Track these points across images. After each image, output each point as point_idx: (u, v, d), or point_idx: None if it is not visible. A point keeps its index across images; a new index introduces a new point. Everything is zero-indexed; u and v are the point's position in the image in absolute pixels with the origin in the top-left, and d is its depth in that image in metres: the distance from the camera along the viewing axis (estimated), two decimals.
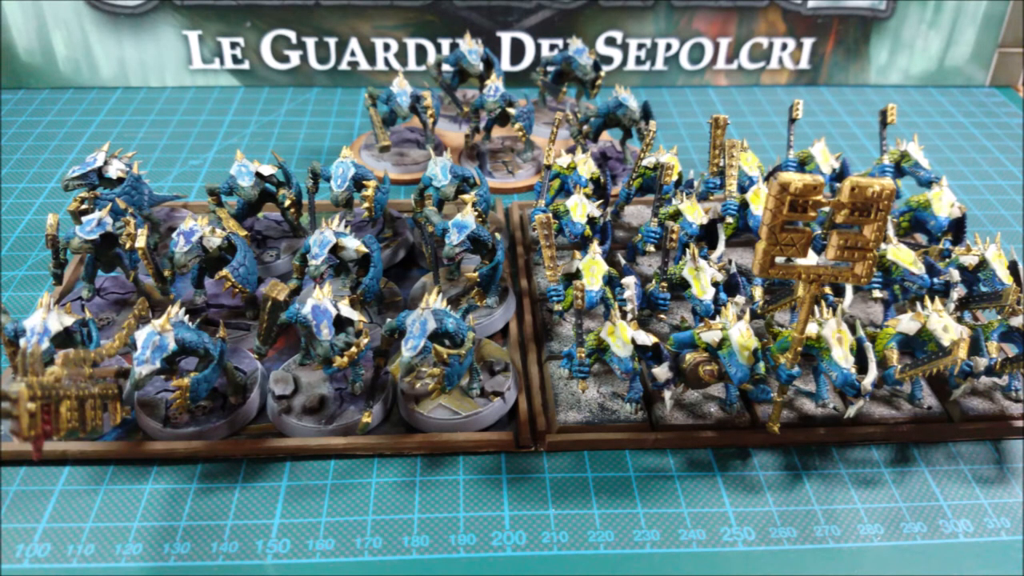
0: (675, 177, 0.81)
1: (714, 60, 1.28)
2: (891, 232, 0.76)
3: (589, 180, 0.82)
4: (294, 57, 1.24)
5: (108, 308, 0.76)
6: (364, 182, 0.78)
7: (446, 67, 1.08)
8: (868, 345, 0.64)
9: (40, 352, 0.54)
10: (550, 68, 1.11)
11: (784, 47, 1.28)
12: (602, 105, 0.97)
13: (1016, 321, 0.66)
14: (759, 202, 0.76)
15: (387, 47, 1.24)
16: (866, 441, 0.68)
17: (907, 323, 0.65)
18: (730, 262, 0.74)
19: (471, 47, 1.05)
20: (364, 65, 1.25)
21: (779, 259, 0.56)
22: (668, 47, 1.27)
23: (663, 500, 0.63)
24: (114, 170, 0.78)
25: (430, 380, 0.62)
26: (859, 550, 0.60)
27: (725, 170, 0.79)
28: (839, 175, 0.85)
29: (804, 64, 1.30)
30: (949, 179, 0.81)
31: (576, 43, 1.07)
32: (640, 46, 1.26)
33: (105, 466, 0.63)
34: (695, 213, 0.76)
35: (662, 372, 0.62)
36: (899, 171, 0.86)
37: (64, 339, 0.60)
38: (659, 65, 1.28)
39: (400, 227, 0.86)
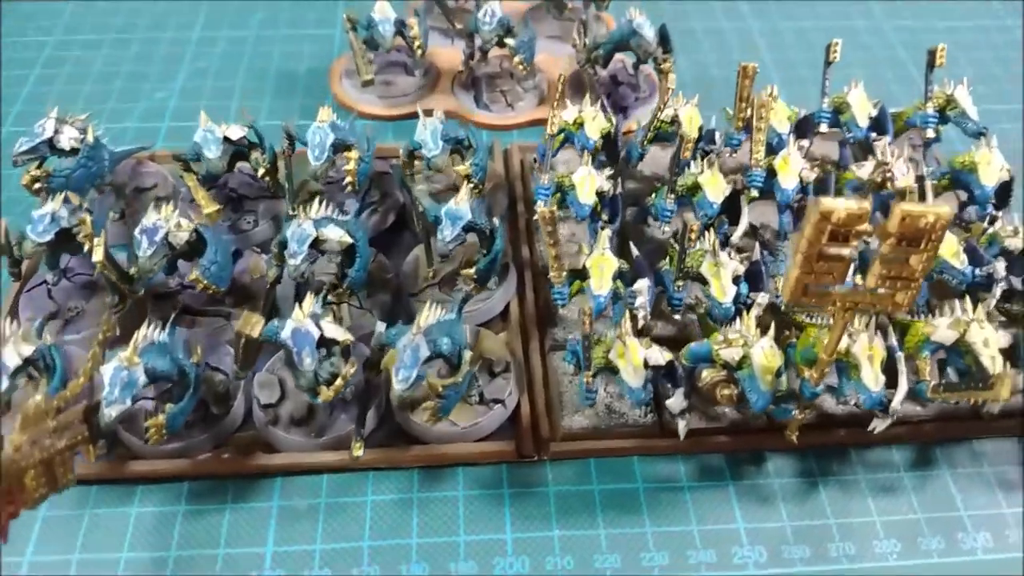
0: (695, 134, 0.72)
1: None
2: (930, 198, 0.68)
3: (599, 138, 0.73)
4: None
5: (76, 294, 0.70)
6: (346, 153, 0.69)
7: None
8: (900, 356, 0.59)
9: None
10: None
11: None
12: (615, 30, 0.86)
13: None
14: (787, 171, 0.68)
15: None
16: (888, 441, 0.64)
17: (944, 331, 0.59)
18: (753, 229, 0.66)
19: None
20: None
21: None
22: None
23: (672, 516, 0.60)
24: (66, 139, 0.69)
25: (425, 413, 0.58)
26: (874, 571, 0.58)
27: (752, 132, 0.70)
28: (877, 125, 0.76)
29: None
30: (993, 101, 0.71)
31: None
32: None
33: (88, 486, 0.60)
34: (716, 187, 0.68)
35: (676, 403, 0.57)
36: (943, 119, 0.76)
37: (25, 372, 0.56)
38: None
39: (388, 186, 0.78)
